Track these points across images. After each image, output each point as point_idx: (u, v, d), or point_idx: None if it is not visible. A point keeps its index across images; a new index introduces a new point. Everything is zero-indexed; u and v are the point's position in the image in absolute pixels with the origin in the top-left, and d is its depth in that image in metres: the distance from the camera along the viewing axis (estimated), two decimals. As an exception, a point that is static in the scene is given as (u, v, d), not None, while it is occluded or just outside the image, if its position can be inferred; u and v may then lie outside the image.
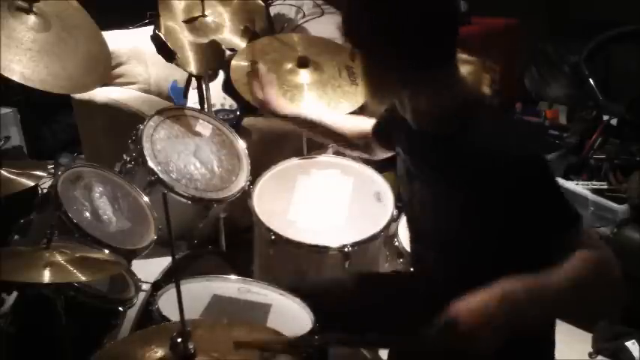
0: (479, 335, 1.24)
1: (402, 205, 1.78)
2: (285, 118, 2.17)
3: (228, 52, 2.70)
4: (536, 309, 1.28)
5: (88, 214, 1.97)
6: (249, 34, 2.57)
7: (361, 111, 2.62)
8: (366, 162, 2.43)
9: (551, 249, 1.35)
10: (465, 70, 1.48)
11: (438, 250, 1.57)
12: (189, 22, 2.50)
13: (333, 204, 2.28)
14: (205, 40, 2.51)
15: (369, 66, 1.48)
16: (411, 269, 2.12)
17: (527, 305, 1.27)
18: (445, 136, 1.45)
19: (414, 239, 1.74)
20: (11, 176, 1.82)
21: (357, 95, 2.50)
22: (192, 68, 2.54)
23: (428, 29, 1.39)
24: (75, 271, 1.54)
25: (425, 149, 1.52)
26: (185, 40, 2.51)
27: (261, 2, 2.65)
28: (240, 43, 2.57)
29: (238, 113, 3.07)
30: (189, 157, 2.29)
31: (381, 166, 2.35)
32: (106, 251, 1.79)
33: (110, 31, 2.76)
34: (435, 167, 1.49)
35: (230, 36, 2.57)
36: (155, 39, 2.44)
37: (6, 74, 1.80)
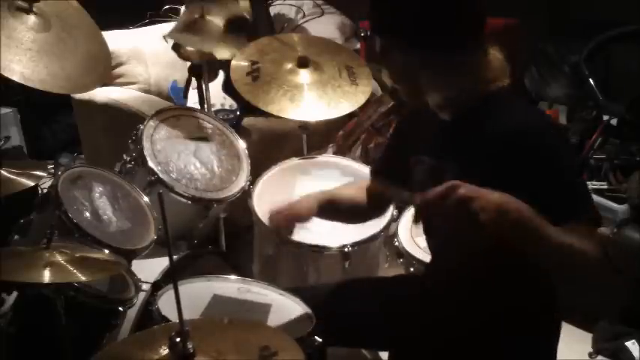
0: (472, 206, 1.23)
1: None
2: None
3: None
4: (530, 227, 1.27)
5: (88, 214, 1.97)
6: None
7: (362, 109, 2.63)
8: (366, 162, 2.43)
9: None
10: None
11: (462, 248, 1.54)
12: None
13: (333, 204, 2.28)
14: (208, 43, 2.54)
15: (399, 54, 1.46)
16: (412, 269, 2.12)
17: (526, 218, 1.26)
18: (475, 120, 1.46)
19: (438, 238, 1.68)
20: (11, 176, 1.81)
21: (357, 95, 2.50)
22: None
23: (456, 14, 1.41)
24: (75, 271, 1.54)
25: (455, 138, 1.51)
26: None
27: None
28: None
29: (238, 113, 3.07)
30: (189, 157, 2.29)
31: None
32: (106, 251, 1.79)
33: (110, 31, 2.77)
34: (466, 154, 1.48)
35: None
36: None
37: (6, 74, 1.80)
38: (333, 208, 1.79)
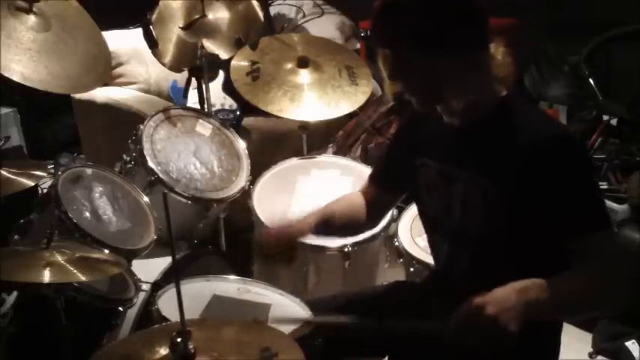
0: (501, 321, 1.30)
1: (426, 213, 1.70)
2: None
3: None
4: (548, 307, 1.36)
5: (88, 214, 1.97)
6: (239, 46, 2.56)
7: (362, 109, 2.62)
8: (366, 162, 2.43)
9: (575, 249, 1.38)
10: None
11: (477, 249, 1.54)
12: (187, 27, 2.51)
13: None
14: (194, 40, 2.51)
15: (418, 64, 1.42)
16: (412, 269, 2.12)
17: (542, 302, 1.34)
18: (491, 126, 1.46)
19: (449, 241, 1.64)
20: (11, 176, 1.81)
21: (357, 95, 2.50)
22: (167, 61, 2.54)
23: (468, 12, 1.40)
24: (75, 271, 1.54)
25: (469, 143, 1.50)
26: (174, 34, 2.50)
27: (261, 17, 2.64)
28: (225, 54, 2.56)
29: (238, 113, 3.07)
30: (189, 157, 2.29)
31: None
32: (106, 251, 1.80)
33: (110, 31, 2.77)
34: (483, 160, 1.48)
35: (219, 44, 2.56)
36: (145, 24, 2.45)
37: (6, 74, 1.80)
38: (328, 227, 1.76)
